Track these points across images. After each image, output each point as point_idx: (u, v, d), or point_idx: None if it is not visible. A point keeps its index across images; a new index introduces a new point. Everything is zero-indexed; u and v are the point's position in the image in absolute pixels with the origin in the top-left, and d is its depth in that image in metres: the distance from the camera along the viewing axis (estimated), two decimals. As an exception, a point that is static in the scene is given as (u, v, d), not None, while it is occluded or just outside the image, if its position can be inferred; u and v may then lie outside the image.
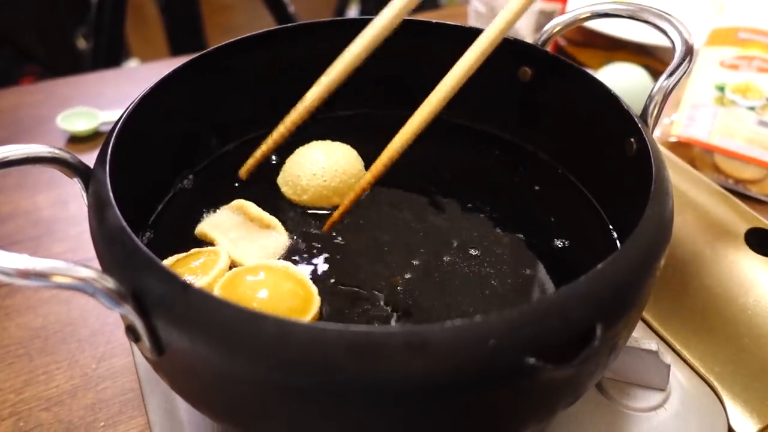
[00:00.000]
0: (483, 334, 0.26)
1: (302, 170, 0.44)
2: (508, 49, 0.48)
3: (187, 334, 0.27)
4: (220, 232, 0.42)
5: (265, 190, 0.46)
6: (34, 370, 0.47)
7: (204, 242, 0.42)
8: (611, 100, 0.42)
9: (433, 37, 0.50)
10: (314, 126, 0.43)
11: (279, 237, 0.42)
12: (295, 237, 0.43)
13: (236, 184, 0.45)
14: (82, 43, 1.53)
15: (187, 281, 0.28)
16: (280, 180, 0.46)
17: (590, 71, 0.45)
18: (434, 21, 0.50)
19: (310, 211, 0.45)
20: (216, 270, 0.38)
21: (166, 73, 0.42)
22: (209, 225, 0.43)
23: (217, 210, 0.44)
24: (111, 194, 0.32)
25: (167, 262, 0.39)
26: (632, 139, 0.40)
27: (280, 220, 0.43)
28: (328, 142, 0.47)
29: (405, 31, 0.43)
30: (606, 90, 0.42)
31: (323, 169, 0.44)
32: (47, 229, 0.60)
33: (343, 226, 0.43)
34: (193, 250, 0.40)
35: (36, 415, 0.44)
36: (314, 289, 0.38)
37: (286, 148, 0.46)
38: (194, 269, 0.39)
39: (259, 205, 0.44)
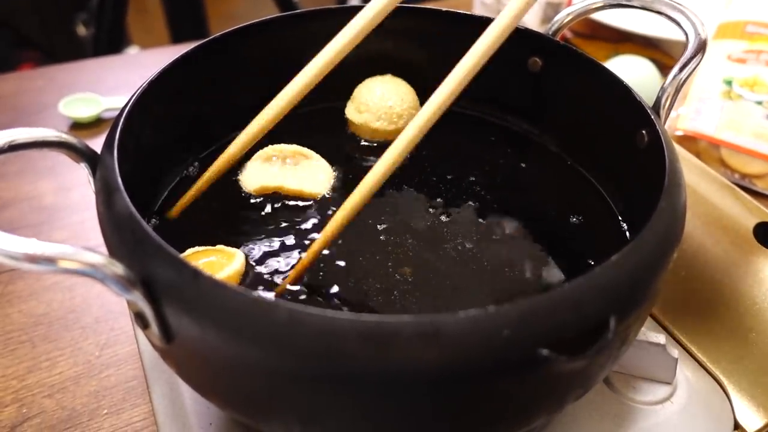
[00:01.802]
0: (497, 325, 0.26)
1: (393, 100, 0.49)
2: (518, 39, 0.48)
3: (197, 321, 0.27)
4: (277, 178, 0.44)
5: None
6: (37, 357, 0.47)
7: (266, 196, 0.43)
8: (623, 91, 0.41)
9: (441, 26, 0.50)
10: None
11: (323, 165, 0.46)
12: (335, 166, 0.46)
13: (239, 172, 0.45)
14: (81, 30, 1.52)
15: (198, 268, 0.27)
16: (370, 118, 0.49)
17: (600, 62, 0.44)
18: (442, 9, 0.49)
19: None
20: (224, 274, 0.37)
21: (174, 58, 0.41)
22: (259, 177, 0.44)
23: (245, 167, 0.45)
24: (119, 179, 0.31)
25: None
26: (644, 131, 0.39)
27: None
28: (381, 77, 0.51)
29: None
30: (618, 81, 0.42)
31: (405, 93, 0.50)
32: (48, 217, 0.59)
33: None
34: (219, 247, 0.39)
35: (39, 402, 0.44)
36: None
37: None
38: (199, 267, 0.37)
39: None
